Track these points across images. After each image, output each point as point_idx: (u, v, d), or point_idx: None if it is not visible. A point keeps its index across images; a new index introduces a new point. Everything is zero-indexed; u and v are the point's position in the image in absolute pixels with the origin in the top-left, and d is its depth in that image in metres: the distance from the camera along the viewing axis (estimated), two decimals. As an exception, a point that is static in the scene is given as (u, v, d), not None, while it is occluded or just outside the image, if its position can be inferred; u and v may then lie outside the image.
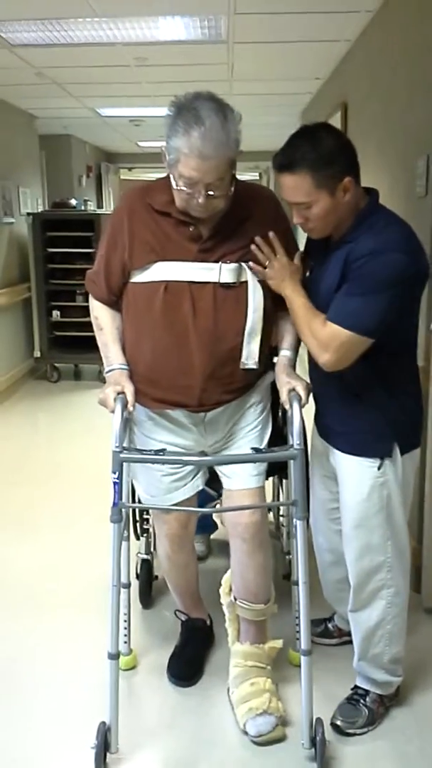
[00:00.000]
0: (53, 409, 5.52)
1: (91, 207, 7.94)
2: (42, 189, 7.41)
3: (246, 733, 1.98)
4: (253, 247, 1.89)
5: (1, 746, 1.97)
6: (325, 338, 1.76)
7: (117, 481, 1.85)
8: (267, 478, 2.16)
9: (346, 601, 2.05)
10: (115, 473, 1.85)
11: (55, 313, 6.22)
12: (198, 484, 2.09)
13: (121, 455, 1.85)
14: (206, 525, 2.88)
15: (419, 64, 2.78)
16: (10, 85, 5.34)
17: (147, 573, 2.63)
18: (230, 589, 2.13)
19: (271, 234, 1.90)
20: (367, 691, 2.03)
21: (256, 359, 1.93)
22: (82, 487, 3.76)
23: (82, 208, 6.92)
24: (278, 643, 2.14)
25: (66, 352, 6.30)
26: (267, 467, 2.12)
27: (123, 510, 1.92)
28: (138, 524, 2.61)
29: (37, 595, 2.74)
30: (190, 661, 2.27)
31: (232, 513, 2.06)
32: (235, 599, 2.10)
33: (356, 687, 2.06)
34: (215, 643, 2.36)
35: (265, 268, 1.90)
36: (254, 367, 1.93)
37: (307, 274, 1.97)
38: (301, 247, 2.02)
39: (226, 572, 2.16)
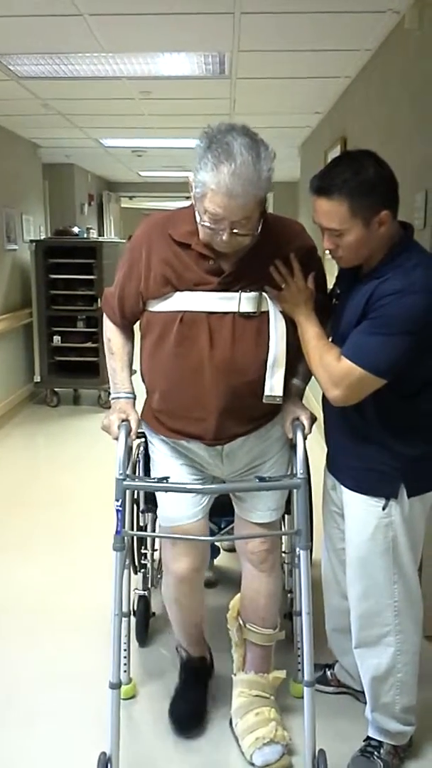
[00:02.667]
0: (52, 433, 5.53)
1: (93, 235, 8.03)
2: (45, 217, 7.50)
3: (252, 764, 1.96)
4: (270, 268, 1.82)
5: (0, 774, 1.96)
6: (337, 374, 1.71)
7: (120, 508, 1.83)
8: None
9: (349, 652, 1.99)
10: (118, 501, 1.82)
11: (56, 339, 6.27)
12: (208, 506, 2.02)
13: (125, 483, 1.83)
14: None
15: (418, 101, 2.85)
16: (16, 116, 5.44)
17: (144, 610, 2.55)
18: (238, 613, 2.12)
19: (291, 255, 1.83)
20: (380, 743, 1.95)
21: (281, 392, 1.83)
22: (82, 511, 3.75)
23: (85, 236, 7.00)
24: (282, 674, 2.13)
25: (66, 377, 6.34)
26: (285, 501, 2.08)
27: (125, 538, 1.88)
28: (136, 558, 2.53)
29: (36, 619, 2.73)
30: (191, 711, 2.14)
31: (245, 539, 2.05)
32: (244, 623, 2.09)
33: (369, 738, 1.98)
34: (217, 674, 2.30)
35: (281, 290, 1.83)
36: (279, 400, 1.85)
37: (334, 301, 1.92)
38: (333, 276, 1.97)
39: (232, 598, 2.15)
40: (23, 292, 6.30)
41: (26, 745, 2.07)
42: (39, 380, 6.28)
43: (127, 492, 1.90)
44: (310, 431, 1.90)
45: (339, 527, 2.01)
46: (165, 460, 2.01)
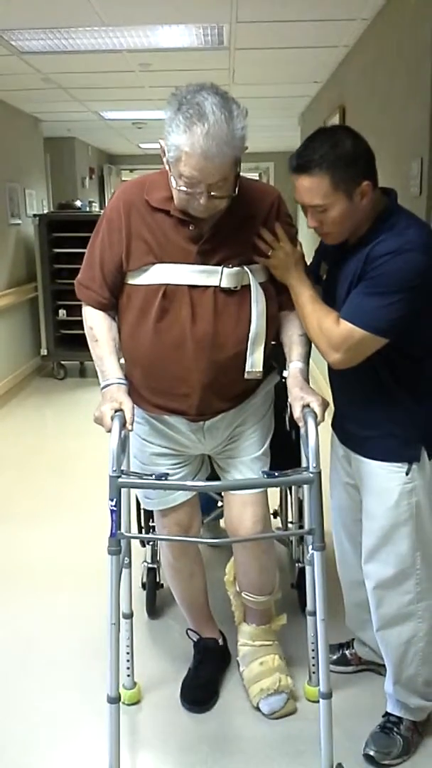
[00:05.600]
0: (60, 405, 5.63)
1: (95, 208, 8.07)
2: (47, 191, 7.54)
3: (258, 709, 2.05)
4: (255, 238, 1.78)
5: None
6: (337, 338, 1.67)
7: (114, 508, 1.65)
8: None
9: (370, 626, 1.95)
10: (112, 500, 1.65)
11: (61, 312, 6.35)
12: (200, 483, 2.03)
13: (119, 480, 1.66)
14: (212, 509, 2.90)
15: (414, 69, 2.90)
16: (17, 90, 5.46)
17: (152, 581, 2.55)
18: (234, 579, 2.15)
19: (276, 224, 1.81)
20: (400, 719, 1.91)
21: (261, 368, 1.82)
22: (89, 477, 3.83)
23: (87, 209, 7.05)
24: (283, 619, 2.18)
25: (72, 350, 6.41)
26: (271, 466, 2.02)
27: (122, 541, 1.74)
28: (144, 531, 2.51)
29: (48, 583, 2.82)
30: (204, 684, 2.15)
31: (233, 518, 2.01)
32: (240, 591, 2.12)
33: (388, 714, 1.94)
34: (221, 625, 2.30)
35: (264, 258, 1.81)
36: (259, 376, 1.84)
37: (323, 276, 1.90)
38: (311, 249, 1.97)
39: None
40: (28, 266, 6.37)
41: (43, 706, 2.13)
42: (46, 353, 6.39)
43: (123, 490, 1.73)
44: (323, 419, 1.75)
45: (353, 499, 1.96)
46: (142, 447, 1.96)
